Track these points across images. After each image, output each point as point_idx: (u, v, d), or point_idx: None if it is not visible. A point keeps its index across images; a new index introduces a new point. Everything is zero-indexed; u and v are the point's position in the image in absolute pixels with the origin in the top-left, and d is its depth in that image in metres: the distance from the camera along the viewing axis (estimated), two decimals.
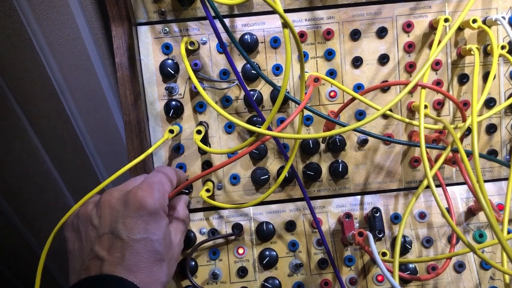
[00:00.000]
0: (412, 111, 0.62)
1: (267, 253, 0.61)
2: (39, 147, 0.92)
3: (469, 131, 0.62)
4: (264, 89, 0.61)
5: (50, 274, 1.22)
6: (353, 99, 0.55)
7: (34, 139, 0.91)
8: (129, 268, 0.44)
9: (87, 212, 0.49)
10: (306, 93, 0.53)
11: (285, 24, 0.44)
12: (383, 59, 0.61)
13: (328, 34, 0.60)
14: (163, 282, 0.47)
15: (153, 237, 0.46)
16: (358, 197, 0.64)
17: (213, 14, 0.50)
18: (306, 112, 0.61)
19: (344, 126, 0.52)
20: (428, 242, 0.61)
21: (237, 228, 0.61)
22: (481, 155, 0.55)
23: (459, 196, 0.63)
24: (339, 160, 0.62)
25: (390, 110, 0.55)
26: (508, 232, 0.58)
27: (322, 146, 0.62)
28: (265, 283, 0.60)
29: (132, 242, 0.45)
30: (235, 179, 0.62)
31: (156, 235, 0.46)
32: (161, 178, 0.52)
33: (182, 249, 0.54)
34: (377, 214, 0.58)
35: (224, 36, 0.58)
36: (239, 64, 0.61)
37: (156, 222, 0.47)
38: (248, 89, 0.61)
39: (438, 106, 0.62)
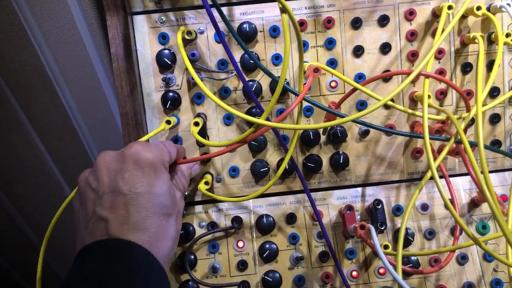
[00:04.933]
0: (414, 101, 0.61)
1: (267, 246, 0.60)
2: (36, 138, 0.91)
3: (472, 121, 0.61)
4: (263, 80, 0.60)
5: (49, 267, 1.21)
6: (354, 89, 0.54)
7: (30, 130, 0.90)
8: (136, 225, 0.41)
9: (85, 177, 0.46)
10: (305, 84, 0.52)
11: (283, 9, 0.42)
12: (385, 48, 0.60)
13: (329, 23, 0.59)
14: (173, 237, 0.45)
15: (157, 190, 0.43)
16: (359, 189, 0.63)
17: (210, 2, 0.48)
18: (306, 103, 0.59)
19: (344, 117, 0.51)
20: (430, 234, 0.60)
21: (237, 221, 0.60)
22: (485, 146, 0.54)
23: (462, 187, 0.62)
24: (340, 152, 0.61)
25: (392, 100, 0.54)
26: None
27: (323, 137, 0.61)
28: (266, 277, 0.59)
29: (136, 196, 0.42)
30: (234, 172, 0.61)
31: (160, 188, 0.44)
32: (157, 142, 0.51)
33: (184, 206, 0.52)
34: (379, 206, 0.57)
35: (222, 25, 0.56)
36: (238, 53, 0.59)
37: (157, 175, 0.44)
38: (247, 79, 0.60)
39: (441, 96, 0.60)
